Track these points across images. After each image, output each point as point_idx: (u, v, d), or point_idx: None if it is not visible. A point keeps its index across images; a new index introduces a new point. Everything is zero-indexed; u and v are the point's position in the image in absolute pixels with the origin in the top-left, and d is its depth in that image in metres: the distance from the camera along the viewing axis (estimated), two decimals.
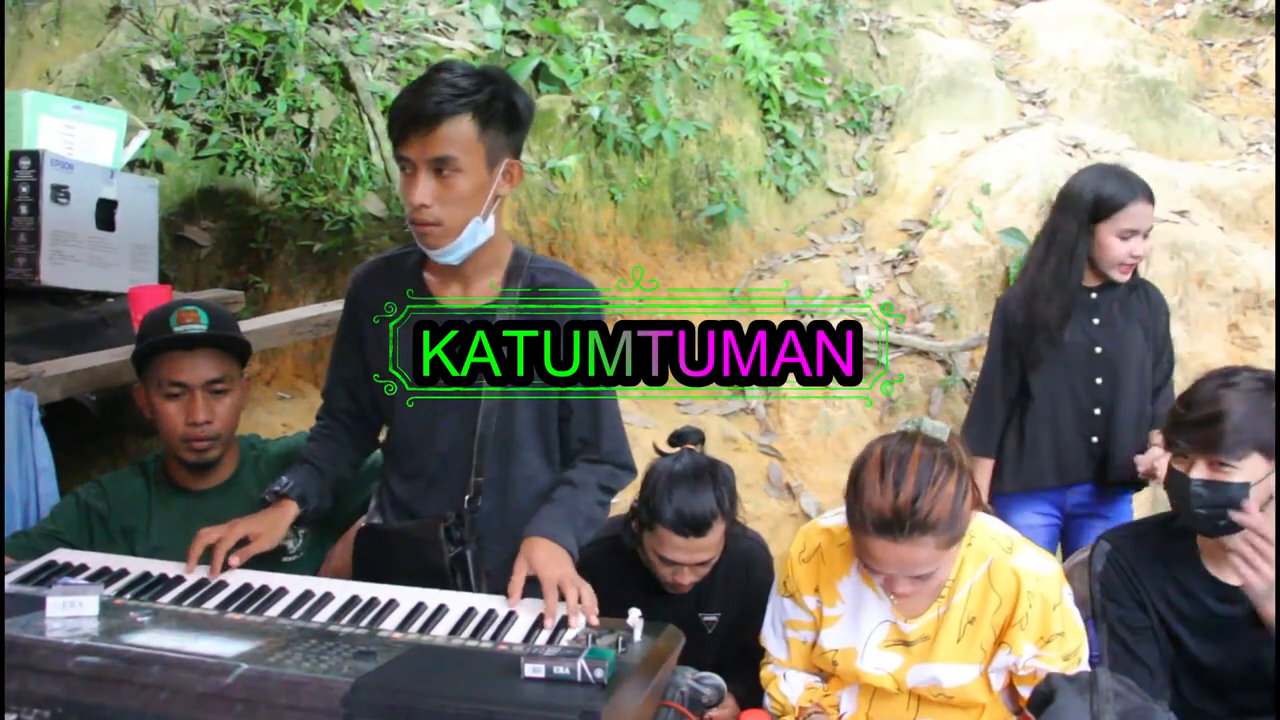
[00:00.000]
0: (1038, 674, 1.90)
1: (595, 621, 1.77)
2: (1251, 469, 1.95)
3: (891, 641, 1.97)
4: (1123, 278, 2.94)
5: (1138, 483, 3.00)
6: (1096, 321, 2.98)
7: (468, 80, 1.90)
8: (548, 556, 1.89)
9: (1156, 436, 2.93)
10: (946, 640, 1.93)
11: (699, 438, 2.44)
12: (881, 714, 2.03)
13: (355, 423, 2.22)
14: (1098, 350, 2.97)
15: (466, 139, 1.89)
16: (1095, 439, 2.97)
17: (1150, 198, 2.92)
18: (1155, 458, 2.84)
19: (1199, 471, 1.97)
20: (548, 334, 2.04)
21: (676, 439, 2.43)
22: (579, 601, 1.80)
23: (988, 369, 3.14)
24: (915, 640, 1.95)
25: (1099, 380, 2.97)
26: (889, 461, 1.79)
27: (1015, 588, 1.90)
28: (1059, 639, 1.90)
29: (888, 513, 1.75)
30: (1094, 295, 2.99)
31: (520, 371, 2.03)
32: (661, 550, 2.28)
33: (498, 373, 2.01)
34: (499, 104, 1.92)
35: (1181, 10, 7.87)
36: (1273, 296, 5.35)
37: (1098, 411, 2.96)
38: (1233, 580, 2.06)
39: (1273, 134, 6.70)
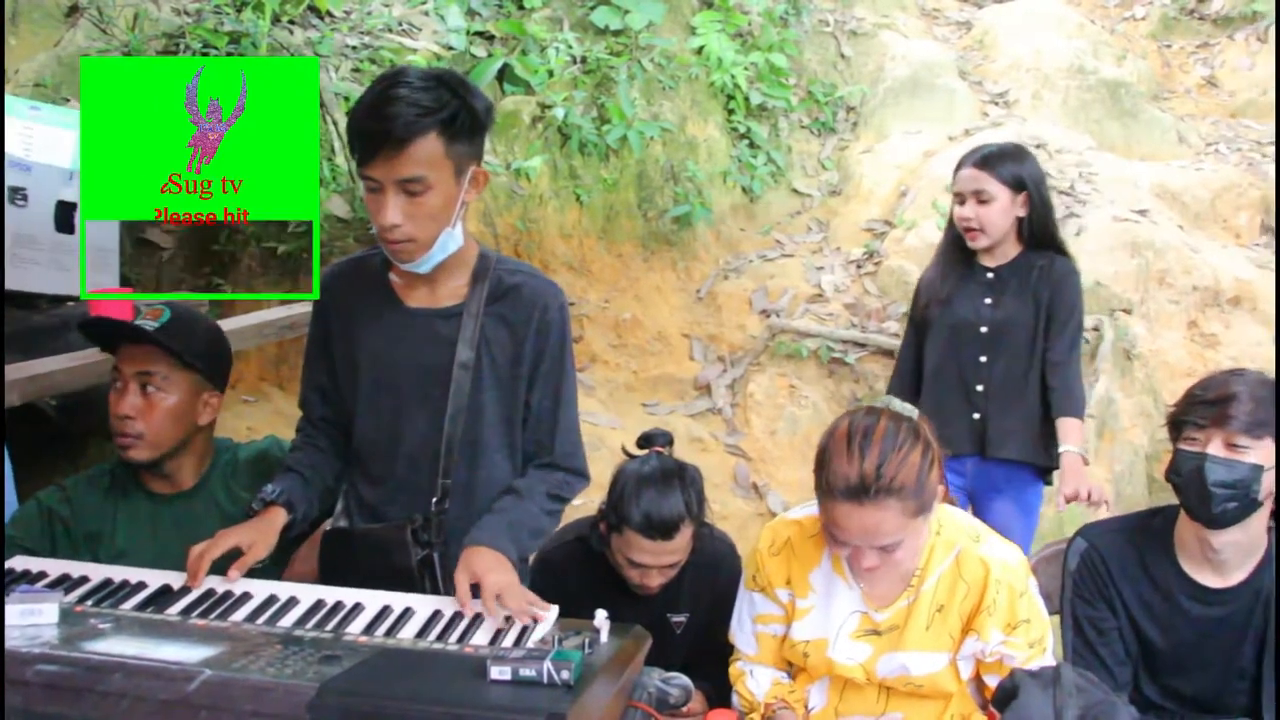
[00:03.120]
0: (1004, 661, 1.93)
1: (526, 620, 1.76)
2: (1264, 453, 1.97)
3: (862, 632, 1.98)
4: (970, 243, 3.04)
5: (1042, 466, 3.04)
6: (988, 301, 3.06)
7: (429, 95, 1.86)
8: (489, 564, 1.86)
9: (1070, 430, 2.92)
10: (915, 628, 1.95)
11: (667, 440, 2.44)
12: (851, 708, 2.04)
13: (334, 429, 2.18)
14: (983, 330, 3.05)
15: (434, 156, 1.87)
16: (976, 415, 3.06)
17: (986, 164, 3.00)
18: (1078, 488, 2.83)
19: (1215, 448, 1.99)
20: (513, 335, 2.04)
21: (645, 441, 2.43)
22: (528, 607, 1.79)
23: (903, 340, 3.35)
24: (885, 630, 1.97)
25: (983, 359, 3.05)
26: (855, 431, 1.82)
27: (983, 575, 1.92)
28: (1025, 626, 1.93)
29: (854, 477, 1.77)
30: (990, 274, 3.07)
31: (485, 373, 2.02)
32: (629, 553, 2.28)
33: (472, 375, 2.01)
34: (463, 115, 1.89)
35: (1141, 12, 7.97)
36: (1231, 294, 5.43)
37: (980, 388, 3.05)
38: (1209, 581, 2.09)
39: (1229, 134, 6.80)
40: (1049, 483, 3.11)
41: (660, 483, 2.27)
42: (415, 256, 1.94)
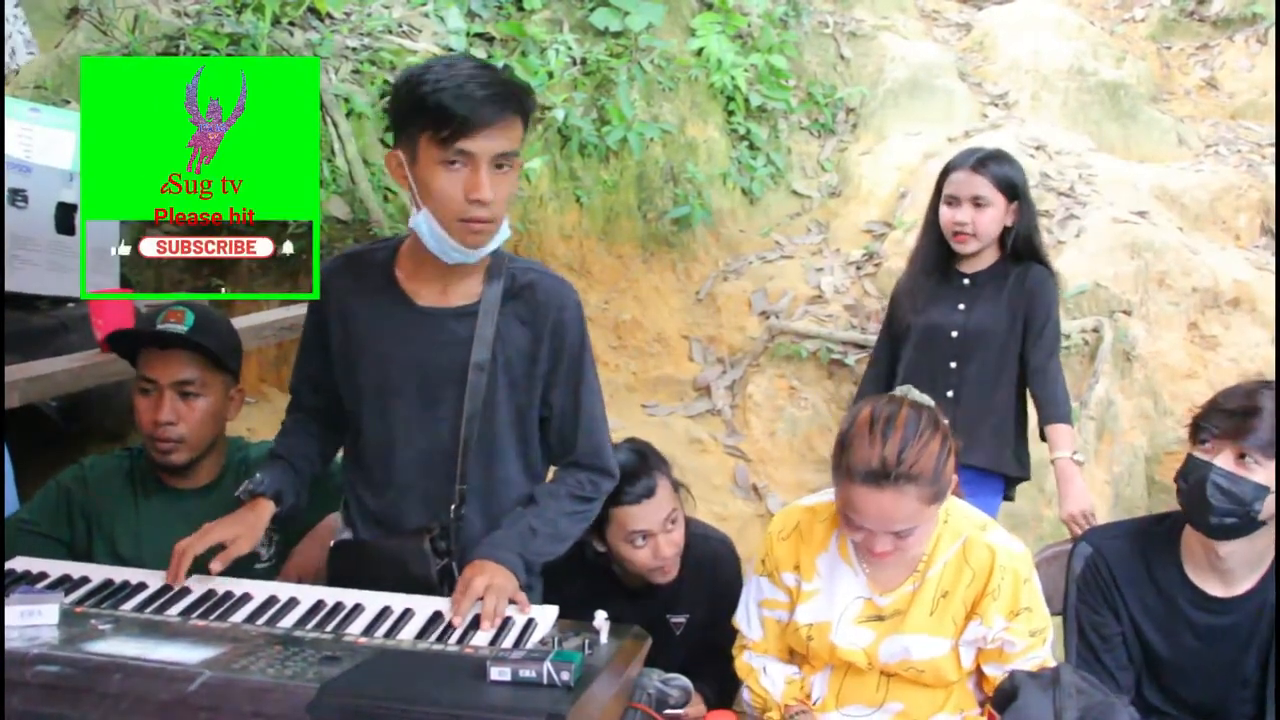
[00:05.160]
0: (1004, 649, 1.94)
1: (488, 626, 1.76)
2: (1271, 474, 1.93)
3: (865, 617, 1.99)
4: (959, 248, 2.97)
5: (1007, 476, 3.00)
6: (962, 307, 3.00)
7: (508, 77, 1.88)
8: (478, 570, 1.86)
9: (1061, 437, 2.86)
10: (919, 613, 1.96)
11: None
12: (851, 697, 2.04)
13: (324, 417, 2.17)
14: (954, 335, 2.99)
15: (518, 134, 1.86)
16: (946, 422, 2.94)
17: (982, 168, 2.92)
18: (1082, 508, 2.77)
19: (1224, 460, 1.96)
20: (529, 334, 1.99)
21: None
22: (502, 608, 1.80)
23: (876, 344, 3.29)
24: (889, 615, 1.98)
25: (953, 365, 2.99)
26: (878, 418, 1.86)
27: (989, 561, 1.94)
28: (1027, 614, 1.94)
29: (875, 462, 1.81)
30: (966, 280, 3.01)
31: (499, 373, 1.97)
32: (628, 527, 2.26)
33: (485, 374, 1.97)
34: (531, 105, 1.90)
35: (1140, 14, 7.97)
36: (1231, 296, 5.43)
37: (950, 394, 2.96)
38: (1215, 590, 2.08)
39: (1229, 136, 6.80)
40: (1010, 497, 3.07)
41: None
42: (491, 237, 1.90)
